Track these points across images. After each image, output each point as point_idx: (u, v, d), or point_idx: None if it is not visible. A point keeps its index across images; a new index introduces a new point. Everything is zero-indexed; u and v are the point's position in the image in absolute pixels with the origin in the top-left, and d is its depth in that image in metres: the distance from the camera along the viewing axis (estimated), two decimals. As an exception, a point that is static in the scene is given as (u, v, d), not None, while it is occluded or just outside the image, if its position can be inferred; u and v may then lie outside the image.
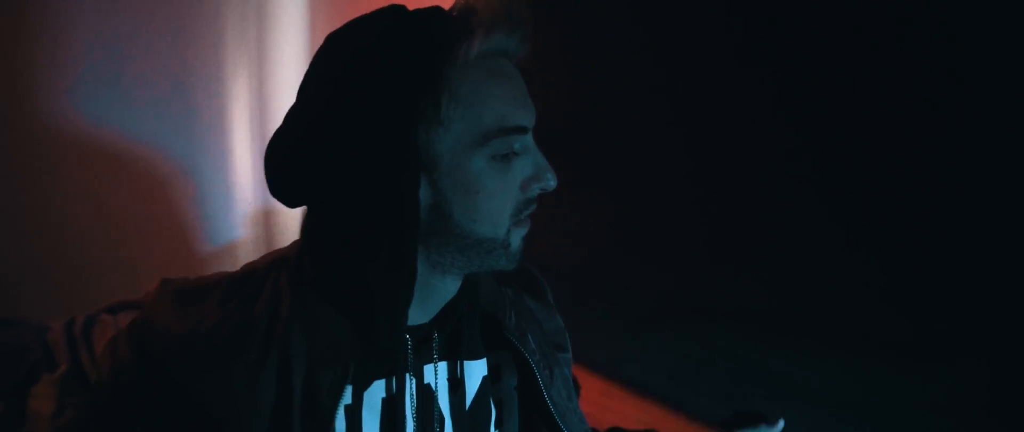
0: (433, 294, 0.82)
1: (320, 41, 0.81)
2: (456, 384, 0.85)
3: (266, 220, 2.25)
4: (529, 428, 0.90)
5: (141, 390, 0.76)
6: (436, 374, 0.84)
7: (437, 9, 0.77)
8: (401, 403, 0.81)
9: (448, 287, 0.83)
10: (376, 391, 0.81)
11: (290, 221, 2.14)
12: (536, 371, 0.87)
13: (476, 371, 0.87)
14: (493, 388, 0.88)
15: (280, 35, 2.27)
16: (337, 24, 0.81)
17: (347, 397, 0.78)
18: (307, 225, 0.81)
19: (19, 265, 1.53)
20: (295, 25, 2.31)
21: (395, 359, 0.80)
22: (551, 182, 0.78)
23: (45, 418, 0.89)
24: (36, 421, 0.90)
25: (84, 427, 0.83)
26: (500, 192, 0.77)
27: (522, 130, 0.77)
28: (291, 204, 0.82)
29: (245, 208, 2.23)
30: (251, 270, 0.83)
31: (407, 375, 0.82)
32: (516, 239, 0.79)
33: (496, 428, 0.89)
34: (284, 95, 2.32)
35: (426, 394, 0.83)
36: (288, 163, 0.78)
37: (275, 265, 0.82)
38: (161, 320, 0.78)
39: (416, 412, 0.82)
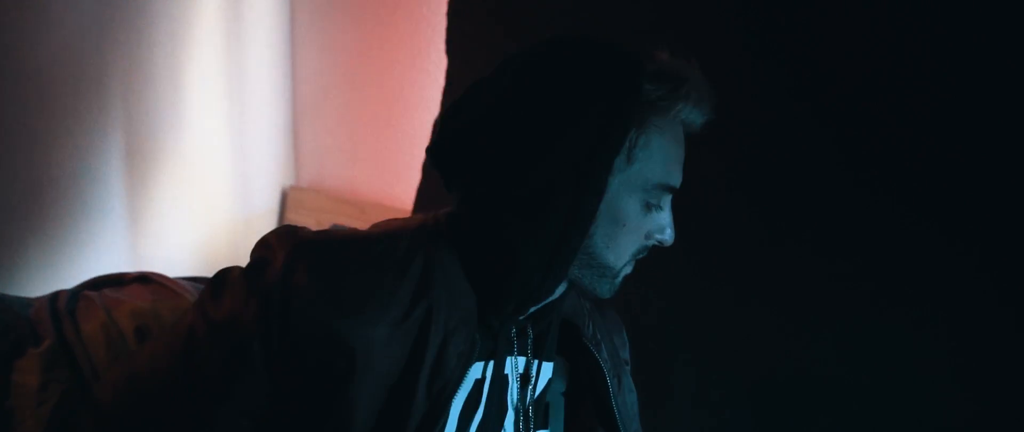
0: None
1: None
2: (526, 380, 0.92)
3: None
4: (579, 429, 0.98)
5: (267, 336, 0.77)
6: (515, 366, 0.90)
7: (667, 59, 0.86)
8: (490, 385, 0.88)
9: (555, 290, 0.89)
10: (473, 371, 0.86)
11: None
12: (607, 378, 0.94)
13: (545, 372, 0.94)
14: (549, 391, 0.95)
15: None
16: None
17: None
18: (469, 198, 0.86)
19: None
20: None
21: (498, 344, 0.87)
22: (669, 238, 0.88)
23: (30, 393, 0.89)
24: (20, 396, 0.90)
25: (177, 362, 0.81)
26: (635, 232, 0.86)
27: (675, 190, 0.87)
28: (454, 179, 0.87)
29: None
30: (396, 233, 0.86)
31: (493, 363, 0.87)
32: (622, 274, 0.88)
33: (542, 429, 0.96)
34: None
35: (502, 382, 0.90)
36: (473, 132, 0.83)
37: (423, 232, 0.87)
38: (303, 274, 0.79)
39: (488, 398, 0.88)
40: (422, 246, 0.84)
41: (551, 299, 0.90)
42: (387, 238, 0.85)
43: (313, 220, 2.27)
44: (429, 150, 0.88)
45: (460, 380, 0.82)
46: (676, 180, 0.87)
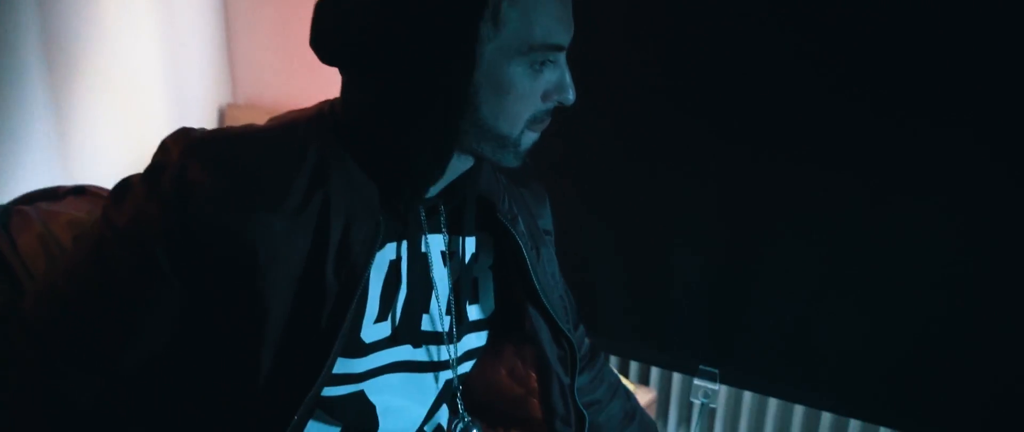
0: (448, 171, 0.87)
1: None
2: (451, 257, 0.94)
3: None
4: (511, 305, 0.99)
5: (170, 236, 0.76)
6: (430, 245, 0.91)
7: None
8: (408, 264, 0.88)
9: (460, 166, 0.89)
10: (387, 253, 0.87)
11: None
12: (524, 251, 0.95)
13: (469, 247, 0.95)
14: (476, 266, 0.97)
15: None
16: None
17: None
18: (351, 88, 0.85)
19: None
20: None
21: (408, 225, 0.87)
22: (570, 97, 0.85)
23: (-33, 307, 0.87)
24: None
25: (88, 271, 0.81)
26: (525, 97, 0.83)
27: (561, 48, 0.83)
28: (331, 61, 0.84)
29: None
30: (291, 124, 0.85)
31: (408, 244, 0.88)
32: (527, 141, 0.86)
33: (471, 303, 0.97)
34: None
35: (423, 261, 0.90)
36: (345, 19, 0.80)
37: (319, 121, 0.85)
38: (197, 169, 0.77)
39: (409, 277, 0.89)
40: (317, 136, 0.83)
41: (457, 174, 0.90)
42: (281, 130, 0.84)
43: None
44: (312, 44, 0.84)
45: (367, 263, 0.82)
46: (559, 37, 0.82)
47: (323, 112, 0.87)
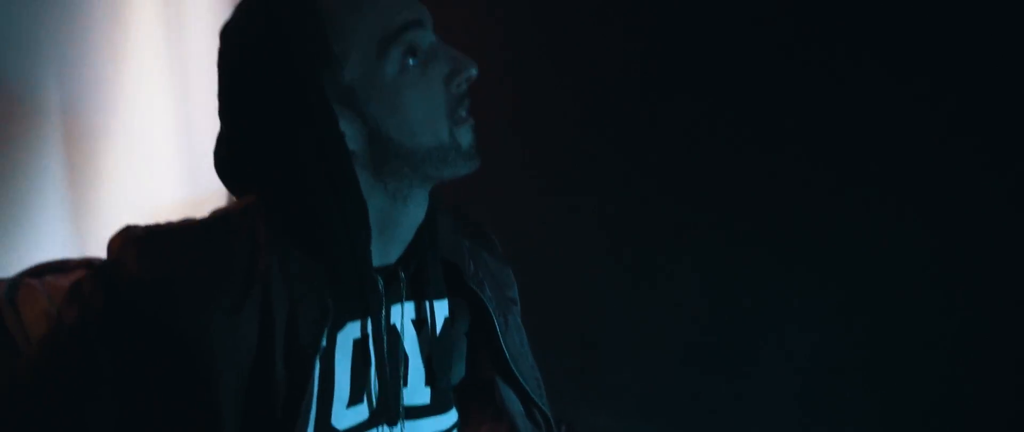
0: (398, 230, 0.85)
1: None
2: (421, 324, 0.90)
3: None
4: (477, 374, 0.97)
5: (113, 335, 0.75)
6: (403, 314, 0.88)
7: None
8: (375, 340, 0.86)
9: (411, 217, 0.85)
10: (349, 332, 0.84)
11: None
12: (493, 317, 0.92)
13: (440, 311, 0.92)
14: (453, 330, 0.94)
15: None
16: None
17: (323, 340, 0.81)
18: (260, 184, 0.86)
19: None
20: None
21: (366, 299, 0.83)
22: (471, 70, 0.80)
23: (-30, 382, 0.86)
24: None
25: (34, 380, 0.81)
26: (424, 98, 0.79)
27: (415, 24, 0.79)
28: (240, 190, 0.88)
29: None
30: (223, 214, 0.85)
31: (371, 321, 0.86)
32: (465, 138, 0.81)
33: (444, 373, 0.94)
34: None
35: (392, 334, 0.87)
36: (225, 150, 0.85)
37: (248, 210, 0.84)
38: (133, 263, 0.77)
39: (379, 352, 0.86)
40: (250, 225, 0.82)
41: (411, 235, 0.87)
42: (214, 221, 0.84)
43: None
44: (216, 169, 0.88)
45: (315, 346, 0.79)
46: (404, 16, 0.79)
47: (249, 201, 0.86)
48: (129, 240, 0.80)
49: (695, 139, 1.70)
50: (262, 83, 0.79)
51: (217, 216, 0.86)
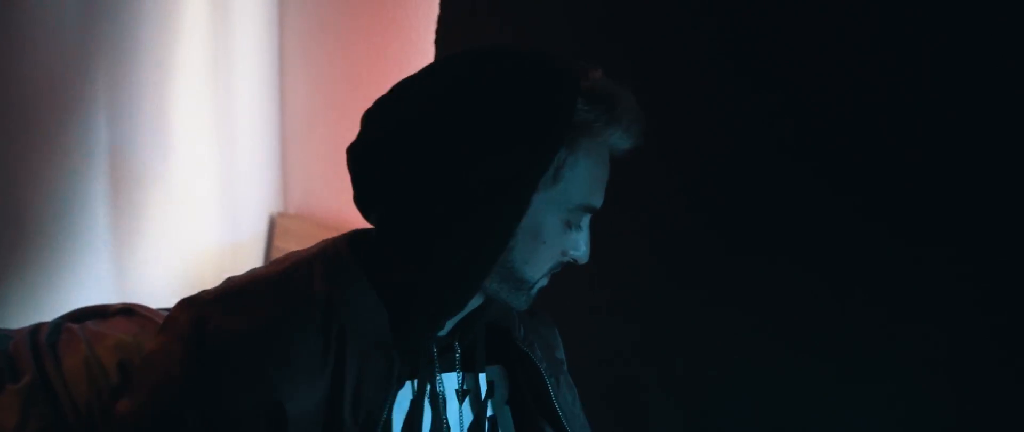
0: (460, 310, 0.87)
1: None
2: (464, 395, 0.91)
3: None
4: None
5: (198, 382, 0.75)
6: (445, 384, 0.89)
7: (601, 78, 0.85)
8: (421, 407, 0.86)
9: (473, 302, 0.88)
10: (404, 393, 0.85)
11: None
12: (545, 378, 0.93)
13: (482, 383, 0.93)
14: (493, 402, 0.94)
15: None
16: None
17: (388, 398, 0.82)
18: (386, 217, 0.85)
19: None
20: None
21: (420, 363, 0.85)
22: (583, 257, 0.87)
23: (8, 430, 0.87)
24: (-2, 433, 0.88)
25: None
26: (553, 249, 0.85)
27: (594, 210, 0.87)
28: (371, 207, 0.86)
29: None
30: (295, 264, 0.85)
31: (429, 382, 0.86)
32: (537, 287, 0.88)
33: None
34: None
35: (436, 402, 0.88)
36: (401, 148, 0.81)
37: (323, 259, 0.85)
38: (217, 319, 0.77)
39: (436, 414, 0.87)
40: (323, 275, 0.83)
41: (468, 311, 0.89)
42: (287, 273, 0.83)
43: (300, 247, 2.23)
44: (351, 149, 0.85)
45: (384, 402, 0.80)
46: (598, 201, 0.87)
47: (327, 249, 0.87)
48: (205, 303, 0.79)
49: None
50: (507, 139, 0.79)
51: (287, 266, 0.85)
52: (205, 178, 2.18)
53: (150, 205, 2.04)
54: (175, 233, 2.09)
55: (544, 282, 0.88)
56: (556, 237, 0.84)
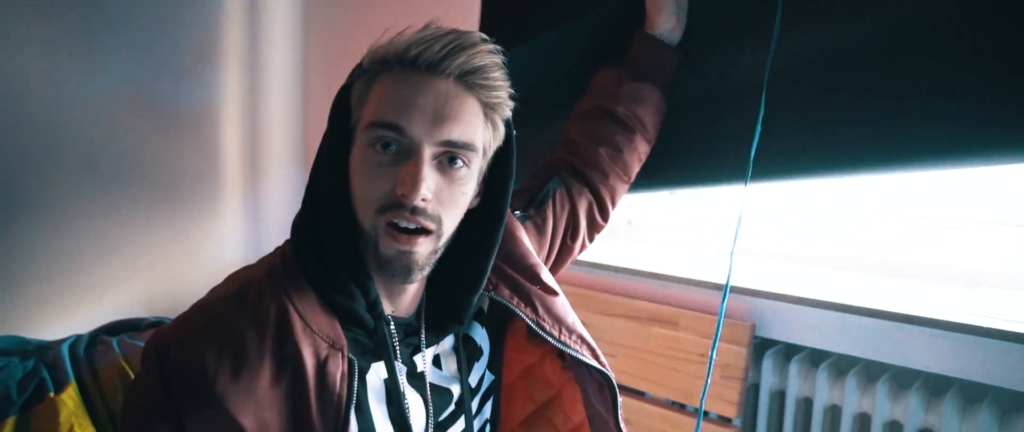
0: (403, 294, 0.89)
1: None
2: (458, 366, 0.94)
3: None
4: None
5: (165, 402, 0.78)
6: (421, 359, 0.91)
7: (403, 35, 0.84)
8: (397, 390, 0.87)
9: (410, 288, 0.90)
10: (377, 373, 0.87)
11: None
12: (517, 311, 0.93)
13: (456, 354, 0.94)
14: (477, 365, 0.97)
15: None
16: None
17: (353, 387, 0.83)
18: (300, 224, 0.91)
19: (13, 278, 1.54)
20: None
21: (382, 342, 0.86)
22: (408, 193, 0.79)
23: (48, 437, 0.91)
24: (38, 441, 0.91)
25: None
26: (369, 179, 0.81)
27: (391, 127, 0.80)
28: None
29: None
30: (247, 282, 0.85)
31: (396, 363, 0.88)
32: (387, 248, 0.82)
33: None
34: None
35: (419, 378, 0.90)
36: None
37: (272, 273, 0.86)
38: (176, 345, 0.80)
39: (404, 394, 0.88)
40: (271, 288, 0.84)
41: (405, 290, 0.89)
42: (239, 290, 0.84)
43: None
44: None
45: (351, 394, 0.81)
46: (390, 115, 0.80)
47: (274, 261, 0.88)
48: (164, 331, 0.83)
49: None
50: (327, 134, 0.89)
51: (241, 282, 0.86)
52: (233, 196, 2.22)
53: (185, 218, 2.08)
54: (206, 245, 2.13)
55: (389, 241, 0.81)
56: (365, 164, 0.81)
